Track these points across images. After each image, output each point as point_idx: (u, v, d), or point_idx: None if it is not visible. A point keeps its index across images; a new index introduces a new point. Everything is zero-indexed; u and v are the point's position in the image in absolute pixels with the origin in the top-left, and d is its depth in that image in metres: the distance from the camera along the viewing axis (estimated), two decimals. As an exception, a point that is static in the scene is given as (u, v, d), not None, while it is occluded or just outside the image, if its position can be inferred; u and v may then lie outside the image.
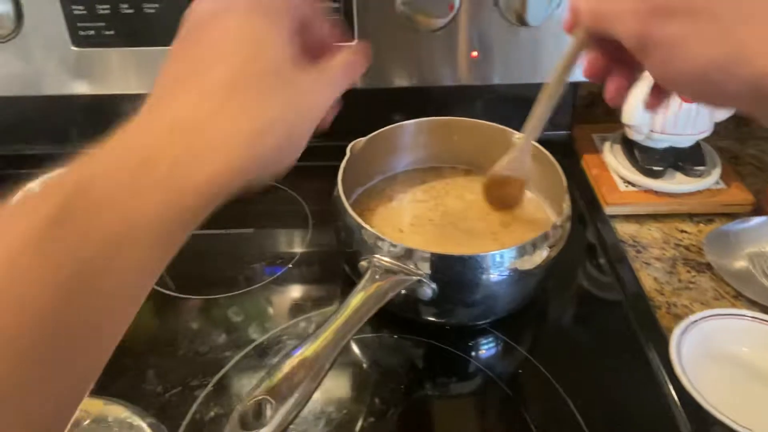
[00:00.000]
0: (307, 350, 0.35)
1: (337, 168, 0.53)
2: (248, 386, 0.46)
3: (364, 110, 0.69)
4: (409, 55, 0.62)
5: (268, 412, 0.31)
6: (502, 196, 0.53)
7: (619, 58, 0.34)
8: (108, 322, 0.23)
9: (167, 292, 0.54)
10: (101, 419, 0.42)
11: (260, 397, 0.31)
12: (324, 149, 0.70)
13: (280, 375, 0.33)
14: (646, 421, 0.44)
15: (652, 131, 0.61)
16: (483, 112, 0.71)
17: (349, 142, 0.55)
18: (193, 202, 0.23)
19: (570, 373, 0.47)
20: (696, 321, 0.48)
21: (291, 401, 0.32)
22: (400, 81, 0.65)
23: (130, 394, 0.45)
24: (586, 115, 0.75)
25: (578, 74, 0.63)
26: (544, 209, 0.57)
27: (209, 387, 0.46)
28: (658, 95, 0.37)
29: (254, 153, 0.25)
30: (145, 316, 0.52)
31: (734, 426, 0.40)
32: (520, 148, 0.49)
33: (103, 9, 0.57)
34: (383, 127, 0.57)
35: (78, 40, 0.59)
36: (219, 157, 0.24)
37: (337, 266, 0.56)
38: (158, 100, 0.26)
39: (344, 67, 0.31)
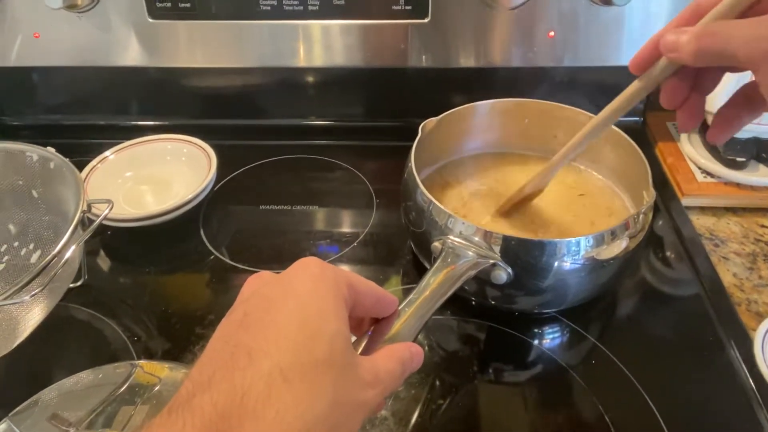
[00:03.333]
0: (391, 329, 0.35)
1: (398, 148, 0.52)
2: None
3: (430, 91, 0.68)
4: (483, 35, 0.61)
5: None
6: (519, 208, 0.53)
7: (695, 84, 0.34)
8: None
9: (237, 264, 0.55)
10: (172, 383, 0.43)
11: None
12: (385, 129, 0.71)
13: (364, 350, 0.33)
14: (725, 417, 0.43)
15: (736, 120, 0.58)
16: (553, 95, 0.68)
17: (411, 122, 0.54)
18: None
19: (644, 364, 0.45)
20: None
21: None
22: (471, 61, 0.63)
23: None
24: (659, 103, 0.72)
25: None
26: (620, 197, 0.55)
27: (278, 359, 0.46)
28: (724, 128, 0.35)
29: None
30: (216, 288, 0.53)
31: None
32: (552, 166, 0.47)
33: (181, -19, 0.58)
34: (450, 109, 0.56)
35: (154, 12, 0.60)
36: None
37: (401, 247, 0.56)
38: (201, 385, 0.24)
39: (399, 365, 0.31)
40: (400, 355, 0.31)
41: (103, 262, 0.56)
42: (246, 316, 0.27)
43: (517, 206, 0.53)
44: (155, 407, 0.40)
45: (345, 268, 0.55)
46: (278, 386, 0.24)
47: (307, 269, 0.29)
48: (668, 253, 0.56)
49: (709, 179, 0.60)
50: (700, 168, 0.61)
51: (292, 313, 0.26)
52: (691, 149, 0.62)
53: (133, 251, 0.57)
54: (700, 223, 0.58)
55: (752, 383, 0.44)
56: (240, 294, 0.29)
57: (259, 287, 0.28)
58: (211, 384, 0.24)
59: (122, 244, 0.57)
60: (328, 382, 0.25)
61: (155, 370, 0.44)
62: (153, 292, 0.53)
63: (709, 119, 0.61)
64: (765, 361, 0.43)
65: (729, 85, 0.57)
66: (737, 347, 0.46)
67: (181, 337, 0.48)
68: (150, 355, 0.47)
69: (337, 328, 0.27)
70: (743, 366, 0.45)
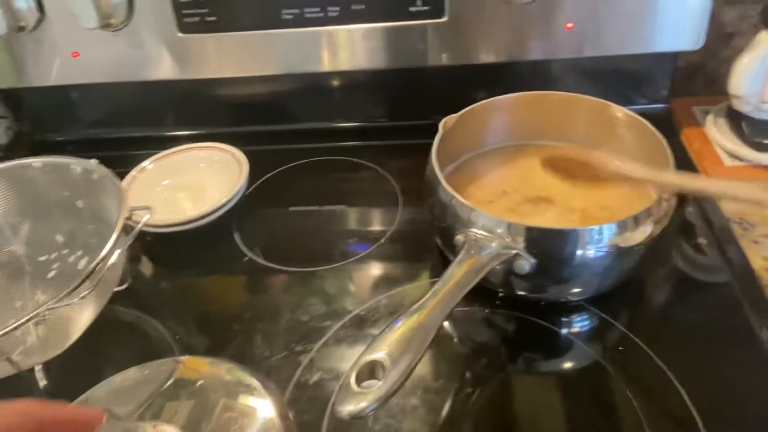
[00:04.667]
0: (414, 318, 0.37)
1: (422, 146, 0.53)
2: (348, 353, 0.48)
3: (451, 88, 0.70)
4: (501, 30, 0.61)
5: (381, 372, 0.33)
6: (570, 168, 0.51)
7: None
8: None
9: (270, 264, 0.57)
10: (213, 377, 0.45)
11: (376, 357, 0.33)
12: (409, 128, 0.72)
13: (391, 338, 0.34)
14: (758, 403, 0.42)
15: (762, 102, 0.58)
16: (574, 86, 0.69)
17: (433, 120, 0.55)
18: None
19: (674, 352, 0.45)
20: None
21: (403, 363, 0.33)
22: (490, 56, 0.64)
23: (240, 356, 0.48)
24: (684, 88, 0.72)
25: (676, 44, 0.61)
26: (645, 186, 0.55)
27: (312, 353, 0.48)
28: None
29: None
30: (251, 287, 0.55)
31: None
32: (641, 178, 0.47)
33: (207, -4, 0.60)
34: (470, 105, 0.57)
35: (184, 27, 0.63)
36: None
37: (427, 242, 0.57)
38: None
39: None
40: None
41: (145, 267, 0.59)
42: None
43: (565, 162, 0.52)
44: (199, 401, 0.42)
45: (374, 265, 0.56)
46: None
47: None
48: (699, 239, 0.56)
49: (736, 163, 0.60)
50: (727, 152, 0.60)
51: None
52: (717, 133, 0.62)
53: (172, 255, 0.60)
54: (729, 207, 0.58)
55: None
56: None
57: None
58: None
59: (162, 249, 0.60)
60: None
61: (197, 366, 0.46)
62: (192, 293, 0.56)
63: (734, 103, 0.60)
64: (797, 343, 0.42)
65: (752, 69, 0.57)
66: (769, 330, 0.46)
67: (220, 334, 0.50)
68: (192, 352, 0.49)
69: None
70: (775, 348, 0.45)
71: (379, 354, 0.33)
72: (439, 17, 0.60)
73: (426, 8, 0.60)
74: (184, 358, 0.46)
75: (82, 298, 0.41)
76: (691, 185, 0.45)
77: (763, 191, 0.39)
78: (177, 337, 0.50)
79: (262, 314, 0.52)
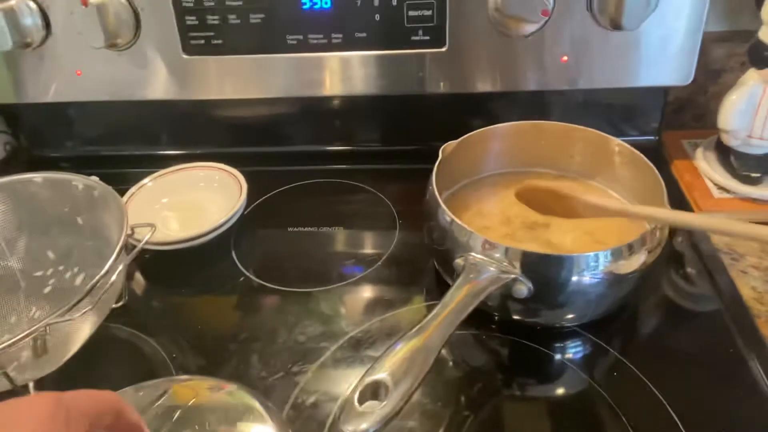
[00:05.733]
0: (415, 340, 0.37)
1: (419, 171, 0.55)
2: (345, 375, 0.48)
3: (448, 115, 0.71)
4: (499, 61, 0.63)
5: (384, 393, 0.33)
6: (545, 203, 0.52)
7: None
8: None
9: (267, 284, 0.57)
10: (208, 397, 0.44)
11: (378, 378, 0.33)
12: (406, 153, 0.73)
13: (393, 360, 0.35)
14: (748, 426, 0.43)
15: (749, 137, 0.60)
16: (567, 117, 0.71)
17: (430, 146, 0.56)
18: None
19: (667, 378, 0.46)
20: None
21: (405, 384, 0.33)
22: (487, 86, 0.66)
23: (236, 376, 0.48)
24: (674, 122, 0.74)
25: (667, 79, 0.64)
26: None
27: (309, 374, 0.48)
28: None
29: None
30: (248, 307, 0.55)
31: None
32: (609, 210, 0.48)
33: (213, 19, 0.61)
34: (467, 132, 0.58)
35: (189, 49, 0.64)
36: None
37: (423, 266, 0.58)
38: None
39: None
40: None
41: (141, 284, 0.59)
42: None
43: (536, 193, 0.53)
44: (193, 420, 0.42)
45: (370, 287, 0.57)
46: None
47: (34, 409, 0.25)
48: (688, 269, 0.57)
49: (725, 195, 0.61)
50: (716, 184, 0.62)
51: None
52: (707, 166, 0.64)
53: (169, 273, 0.59)
54: (718, 238, 0.59)
55: (775, 394, 0.44)
56: None
57: None
58: None
59: (160, 267, 0.60)
60: None
61: (192, 386, 0.46)
62: (188, 312, 0.56)
63: (723, 137, 0.62)
64: (786, 372, 0.43)
65: (740, 105, 0.59)
66: (758, 360, 0.47)
67: (216, 353, 0.50)
68: (187, 371, 0.49)
69: None
70: (765, 378, 0.46)
71: (382, 375, 0.34)
72: (440, 47, 0.62)
73: (427, 38, 0.62)
74: (182, 378, 0.46)
75: (83, 313, 0.40)
76: (663, 218, 0.46)
77: (728, 225, 0.40)
78: (173, 356, 0.50)
79: (258, 334, 0.52)
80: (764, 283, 0.54)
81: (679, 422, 0.43)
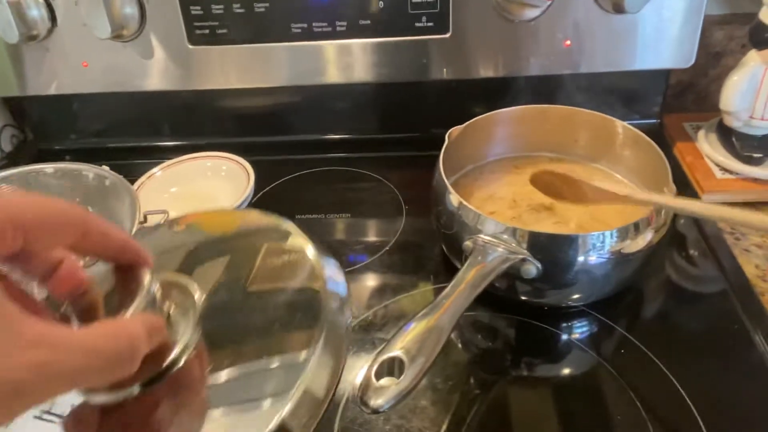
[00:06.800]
0: (427, 320, 0.38)
1: (425, 158, 0.55)
2: (358, 356, 0.49)
3: (452, 102, 0.72)
4: (502, 46, 0.64)
5: (399, 370, 0.34)
6: (557, 188, 0.53)
7: None
8: None
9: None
10: (246, 225, 0.36)
11: (394, 354, 0.34)
12: (411, 140, 0.74)
13: (407, 338, 0.36)
14: (756, 405, 0.44)
15: (751, 117, 0.60)
16: (570, 101, 0.71)
17: (436, 132, 0.56)
18: None
19: (674, 355, 0.47)
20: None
21: (419, 362, 0.34)
22: (490, 71, 0.66)
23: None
24: (675, 105, 0.75)
25: (669, 62, 0.64)
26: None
27: (321, 357, 0.49)
28: None
29: None
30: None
31: None
32: (629, 198, 0.49)
33: (218, 9, 0.62)
34: (472, 118, 0.59)
35: (194, 39, 0.64)
36: None
37: (431, 251, 0.59)
38: None
39: (113, 340, 0.22)
40: (122, 334, 0.22)
41: (152, 273, 0.60)
42: None
43: (549, 178, 0.53)
44: (235, 253, 0.33)
45: (378, 272, 0.58)
46: None
47: None
48: (691, 250, 0.58)
49: (727, 176, 0.62)
50: (718, 165, 0.63)
51: None
52: (709, 148, 0.64)
53: (179, 262, 0.60)
54: (721, 218, 0.60)
55: (780, 368, 0.45)
56: None
57: None
58: None
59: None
60: None
61: (223, 218, 0.38)
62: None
63: (725, 119, 0.63)
64: (790, 346, 0.44)
65: (742, 86, 0.59)
66: (763, 335, 0.48)
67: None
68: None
69: None
70: (770, 352, 0.46)
71: (397, 352, 0.34)
72: (443, 33, 0.63)
73: (431, 24, 0.62)
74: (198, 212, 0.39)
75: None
76: (672, 205, 0.47)
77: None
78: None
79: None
80: (767, 261, 0.55)
81: (686, 397, 0.44)
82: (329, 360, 0.25)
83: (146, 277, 0.25)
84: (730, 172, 0.62)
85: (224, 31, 0.63)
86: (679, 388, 0.44)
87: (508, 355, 0.50)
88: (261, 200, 0.67)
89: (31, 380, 0.19)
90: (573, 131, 0.60)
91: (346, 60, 0.66)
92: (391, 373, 0.35)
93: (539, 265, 0.46)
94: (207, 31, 0.63)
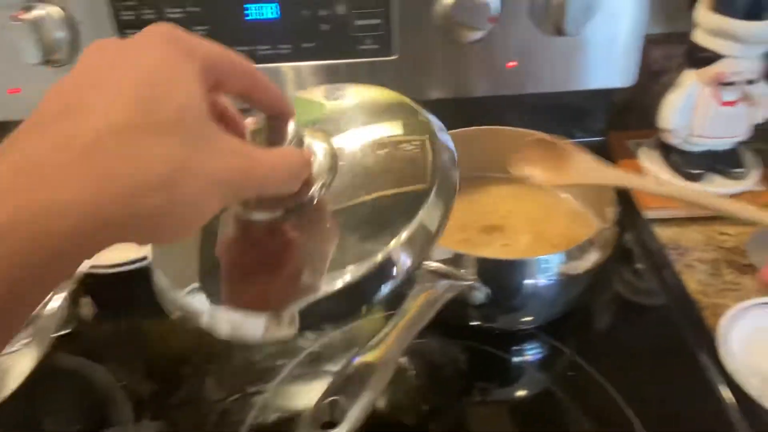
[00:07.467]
0: (372, 355, 0.37)
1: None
2: (305, 392, 0.47)
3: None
4: (448, 67, 0.64)
5: (340, 412, 0.33)
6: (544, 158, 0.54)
7: None
8: None
9: (221, 302, 0.56)
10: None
11: (334, 398, 0.33)
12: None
13: (349, 377, 0.34)
14: (700, 419, 0.45)
15: (690, 135, 0.62)
16: (516, 121, 0.72)
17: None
18: (35, 259, 0.20)
19: (621, 375, 0.47)
20: (742, 310, 0.48)
21: (363, 401, 0.33)
22: (437, 93, 0.66)
23: (190, 400, 0.47)
24: (619, 122, 0.76)
25: (610, 81, 0.65)
26: (583, 215, 0.58)
27: (267, 393, 0.47)
28: None
29: (118, 216, 0.21)
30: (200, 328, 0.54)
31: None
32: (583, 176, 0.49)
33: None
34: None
35: (130, 63, 0.62)
36: (73, 211, 0.20)
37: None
38: (16, 140, 0.22)
39: (287, 164, 0.28)
40: (291, 158, 0.28)
41: (90, 309, 0.57)
42: (82, 75, 0.23)
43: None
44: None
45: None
46: (109, 142, 0.21)
47: (156, 33, 0.25)
48: (638, 265, 0.59)
49: (669, 192, 0.63)
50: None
51: (136, 75, 0.23)
52: (651, 164, 0.66)
53: (118, 297, 0.57)
54: (664, 234, 0.61)
55: (720, 384, 0.46)
56: (80, 58, 0.25)
57: (100, 49, 0.25)
58: (31, 133, 0.22)
59: (107, 291, 0.58)
60: (174, 145, 0.22)
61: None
62: (139, 336, 0.54)
63: (664, 136, 0.64)
64: (728, 356, 0.45)
65: (679, 104, 0.61)
66: (706, 350, 0.49)
67: (168, 377, 0.49)
68: (139, 397, 0.47)
69: (190, 97, 0.23)
70: (713, 368, 0.47)
71: (337, 396, 0.33)
72: (389, 55, 0.62)
73: (375, 47, 0.62)
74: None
75: (24, 344, 0.38)
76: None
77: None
78: (123, 383, 0.48)
79: (212, 356, 0.50)
80: (709, 276, 0.56)
81: (632, 418, 0.44)
82: (441, 203, 0.30)
83: (292, 126, 0.30)
84: (672, 188, 0.63)
85: (162, 54, 0.61)
86: (625, 406, 0.45)
87: (460, 381, 0.49)
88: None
89: (233, 180, 0.24)
90: (522, 151, 0.60)
91: (291, 83, 0.65)
92: (333, 416, 0.33)
93: (487, 291, 0.45)
94: (144, 55, 0.61)
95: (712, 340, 0.48)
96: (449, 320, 0.50)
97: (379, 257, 0.27)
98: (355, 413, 0.32)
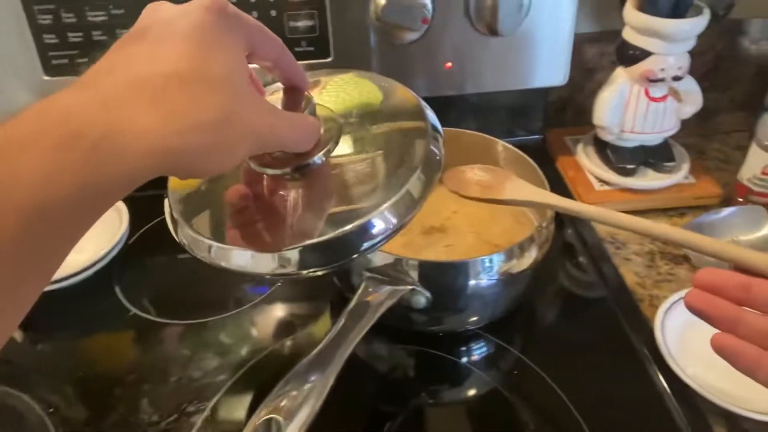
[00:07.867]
0: (310, 367, 0.35)
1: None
2: (246, 408, 0.46)
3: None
4: (385, 69, 0.63)
5: (277, 429, 0.31)
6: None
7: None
8: None
9: (155, 318, 0.53)
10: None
11: (269, 417, 0.31)
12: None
13: (286, 393, 0.33)
14: (639, 410, 0.46)
15: (622, 131, 0.64)
16: (457, 121, 0.72)
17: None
18: (108, 183, 0.23)
19: (563, 370, 0.48)
20: (676, 302, 0.50)
21: (300, 417, 0.32)
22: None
23: (123, 424, 0.44)
24: (556, 120, 0.77)
25: (545, 80, 0.66)
26: (525, 213, 0.58)
27: (206, 412, 0.45)
28: None
29: (177, 146, 0.25)
30: (134, 345, 0.51)
31: (721, 403, 0.43)
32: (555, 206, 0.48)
33: (76, 37, 0.57)
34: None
35: (50, 70, 0.58)
36: (149, 134, 0.24)
37: (325, 283, 0.56)
38: (92, 79, 0.25)
39: (302, 126, 0.33)
40: (308, 122, 0.33)
41: (15, 333, 0.53)
42: (146, 31, 0.27)
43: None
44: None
45: (272, 308, 0.55)
46: (174, 87, 0.25)
47: (206, 2, 0.28)
48: (580, 259, 0.60)
49: (605, 187, 0.65)
50: (596, 177, 0.66)
51: (191, 34, 0.27)
52: (587, 161, 0.67)
53: (46, 316, 0.54)
54: (602, 228, 0.62)
55: (660, 374, 0.47)
56: (139, 19, 0.29)
57: (157, 11, 0.28)
58: (107, 73, 0.25)
59: (34, 310, 0.54)
60: (224, 96, 0.26)
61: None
62: (69, 357, 0.51)
63: (599, 133, 0.66)
64: (666, 347, 0.47)
65: (612, 102, 0.62)
66: (643, 341, 0.50)
67: (100, 401, 0.46)
68: (67, 425, 0.44)
69: (235, 60, 0.28)
70: (650, 358, 0.48)
71: (273, 415, 0.32)
72: (325, 57, 0.61)
73: (311, 49, 0.60)
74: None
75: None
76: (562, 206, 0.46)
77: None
78: (50, 410, 0.45)
79: (148, 375, 0.48)
80: (645, 269, 0.58)
81: (575, 411, 0.44)
82: (425, 177, 0.34)
83: (306, 97, 0.34)
84: (608, 183, 0.65)
85: (85, 59, 0.58)
86: (569, 403, 0.45)
87: (406, 386, 0.49)
88: (138, 241, 0.61)
89: (264, 134, 0.29)
90: (460, 152, 0.60)
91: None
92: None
93: (428, 295, 0.45)
94: (65, 61, 0.58)
95: (650, 330, 0.49)
96: (394, 324, 0.50)
97: (371, 215, 0.32)
98: (292, 430, 0.31)
